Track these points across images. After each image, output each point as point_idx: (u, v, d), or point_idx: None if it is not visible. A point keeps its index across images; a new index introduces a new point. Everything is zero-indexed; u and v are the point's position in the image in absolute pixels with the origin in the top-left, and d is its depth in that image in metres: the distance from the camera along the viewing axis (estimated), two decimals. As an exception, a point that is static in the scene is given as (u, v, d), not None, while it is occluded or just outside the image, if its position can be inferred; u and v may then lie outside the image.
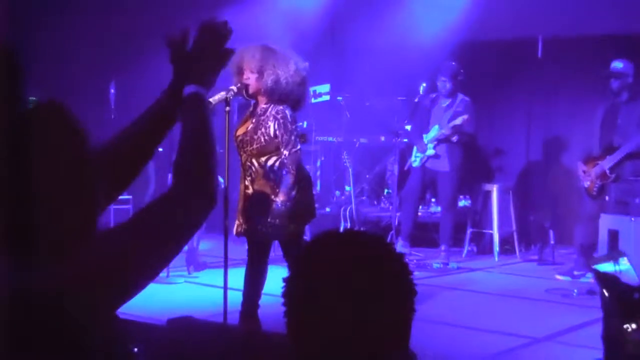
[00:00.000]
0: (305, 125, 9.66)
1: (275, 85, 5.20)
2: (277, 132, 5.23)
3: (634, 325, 2.10)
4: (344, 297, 1.48)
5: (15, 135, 1.57)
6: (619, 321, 2.12)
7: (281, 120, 5.23)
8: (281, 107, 5.26)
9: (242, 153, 5.34)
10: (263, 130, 5.25)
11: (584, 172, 8.06)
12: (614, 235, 7.19)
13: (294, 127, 5.30)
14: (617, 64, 7.86)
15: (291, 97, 5.30)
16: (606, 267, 2.30)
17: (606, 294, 2.21)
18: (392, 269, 1.54)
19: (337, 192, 10.24)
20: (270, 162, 5.27)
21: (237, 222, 5.38)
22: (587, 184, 8.01)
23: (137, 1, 9.75)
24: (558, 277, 8.04)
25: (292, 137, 5.26)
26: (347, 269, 1.51)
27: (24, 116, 1.62)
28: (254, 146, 5.25)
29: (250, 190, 5.32)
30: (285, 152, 5.24)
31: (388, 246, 1.58)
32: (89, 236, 1.64)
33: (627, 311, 2.14)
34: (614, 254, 2.35)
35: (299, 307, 1.53)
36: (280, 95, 5.24)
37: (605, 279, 2.21)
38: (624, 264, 2.35)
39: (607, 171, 7.80)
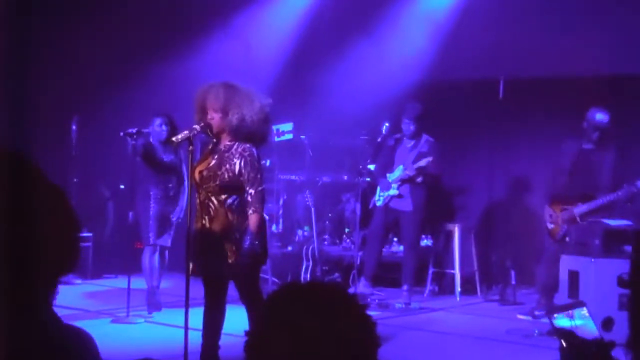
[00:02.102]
0: (268, 164, 9.65)
1: (241, 123, 5.18)
2: (243, 170, 5.19)
3: None
4: (302, 344, 1.47)
5: None
6: None
7: (248, 159, 5.20)
8: (247, 145, 5.23)
9: (200, 191, 5.26)
10: (227, 166, 5.19)
11: (551, 215, 8.10)
12: (574, 276, 7.23)
13: (259, 165, 5.28)
14: (602, 117, 7.80)
15: (256, 135, 5.29)
16: (563, 322, 2.29)
17: (564, 346, 2.21)
18: (355, 318, 1.54)
19: (299, 231, 10.20)
20: (229, 201, 5.21)
21: (195, 262, 5.27)
22: (551, 226, 8.05)
23: (99, 39, 9.71)
24: (520, 316, 8.07)
25: (258, 176, 5.23)
26: (304, 317, 1.50)
27: None
28: (217, 182, 5.18)
29: (207, 229, 5.23)
30: (252, 191, 5.19)
31: (351, 295, 1.59)
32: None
33: None
34: (573, 304, 2.35)
35: (259, 355, 1.52)
36: (246, 134, 5.22)
37: (563, 334, 2.21)
38: (582, 317, 2.35)
39: (578, 218, 7.82)
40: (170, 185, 7.76)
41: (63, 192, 1.68)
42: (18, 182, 1.61)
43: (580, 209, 7.84)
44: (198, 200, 5.28)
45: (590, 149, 7.92)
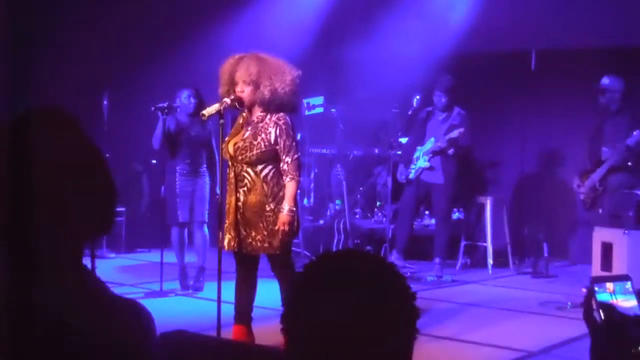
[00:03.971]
0: (299, 137, 9.65)
1: (273, 96, 5.17)
2: (279, 139, 5.18)
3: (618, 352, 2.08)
4: (345, 313, 1.46)
5: (19, 139, 1.59)
6: (609, 347, 2.10)
7: (283, 127, 5.20)
8: (281, 114, 5.23)
9: (235, 163, 5.26)
10: (263, 136, 5.18)
11: (578, 186, 8.21)
12: (607, 248, 7.19)
13: (294, 133, 5.29)
14: (604, 80, 8.01)
15: (288, 107, 5.28)
16: (603, 295, 2.26)
17: (600, 320, 2.18)
18: (394, 288, 1.53)
19: (331, 205, 10.22)
20: (265, 171, 5.21)
21: (228, 236, 5.28)
22: (582, 196, 8.17)
23: (129, 14, 9.73)
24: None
25: (294, 144, 5.24)
26: (347, 285, 1.50)
27: (25, 121, 1.63)
28: (254, 152, 5.16)
29: (243, 202, 5.23)
30: (288, 159, 5.19)
31: (390, 265, 1.57)
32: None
33: (618, 342, 2.12)
34: (619, 276, 2.32)
35: (300, 324, 1.51)
36: (278, 106, 5.22)
37: (602, 307, 2.18)
38: (624, 291, 2.31)
39: (597, 184, 7.94)
40: (197, 160, 7.63)
41: (103, 154, 1.70)
42: (57, 139, 1.63)
43: (596, 175, 8.06)
44: (232, 174, 5.27)
45: (606, 117, 8.09)
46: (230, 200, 5.28)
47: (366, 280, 1.51)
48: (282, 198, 5.20)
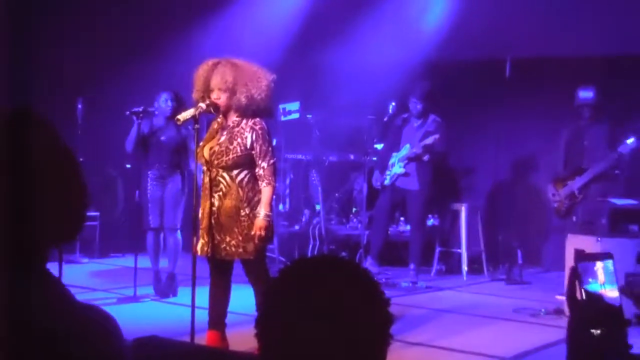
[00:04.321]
0: (274, 143, 9.63)
1: (249, 102, 5.17)
2: (255, 144, 5.18)
3: (598, 331, 2.11)
4: (318, 318, 1.46)
5: None
6: (586, 327, 2.13)
7: (259, 132, 5.19)
8: (257, 119, 5.23)
9: (210, 168, 5.24)
10: (239, 140, 5.17)
11: (553, 194, 8.20)
12: (580, 256, 7.21)
13: (270, 138, 5.28)
14: (587, 94, 7.95)
15: (264, 111, 5.29)
16: (593, 286, 2.29)
17: (580, 299, 2.22)
18: (368, 294, 1.53)
19: (306, 210, 10.21)
20: (241, 176, 5.20)
21: (201, 242, 5.25)
22: (555, 204, 8.15)
23: (104, 18, 9.69)
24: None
25: (270, 149, 5.24)
26: (321, 290, 1.50)
27: None
28: (230, 156, 5.15)
29: (218, 207, 5.21)
30: (264, 164, 5.20)
31: (364, 271, 1.57)
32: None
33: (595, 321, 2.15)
34: (601, 254, 2.35)
35: (274, 329, 1.51)
36: (254, 111, 5.21)
37: (590, 297, 2.21)
38: (608, 273, 2.35)
39: (576, 192, 7.94)
40: (167, 164, 7.54)
41: (74, 156, 1.68)
42: (27, 140, 1.60)
43: (576, 183, 7.99)
44: (207, 179, 5.25)
45: (584, 126, 8.07)
46: (205, 205, 5.26)
47: (340, 286, 1.51)
48: (257, 203, 5.19)
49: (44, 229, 1.60)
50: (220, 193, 5.20)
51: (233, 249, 5.18)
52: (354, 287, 1.52)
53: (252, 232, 5.14)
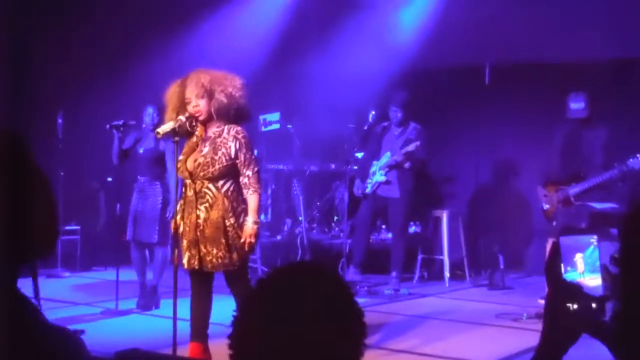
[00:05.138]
0: (255, 153, 9.63)
1: (229, 100, 5.16)
2: (239, 153, 5.17)
3: (575, 305, 2.15)
4: (294, 330, 1.47)
5: None
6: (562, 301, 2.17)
7: (242, 141, 5.19)
8: (239, 128, 5.23)
9: (194, 180, 5.19)
10: (224, 150, 5.16)
11: (545, 196, 8.08)
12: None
13: (252, 146, 5.30)
14: (578, 105, 7.76)
15: (244, 113, 5.29)
16: (572, 274, 2.33)
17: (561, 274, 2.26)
18: (341, 306, 1.54)
19: (288, 220, 10.22)
20: (226, 186, 5.19)
21: (187, 254, 5.21)
22: (547, 207, 8.05)
23: (85, 31, 9.69)
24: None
25: (253, 157, 5.25)
26: (292, 303, 1.51)
27: None
28: (216, 167, 5.13)
29: (204, 219, 5.17)
30: (248, 173, 5.19)
31: (339, 282, 1.58)
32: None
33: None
34: (583, 230, 2.40)
35: (248, 341, 1.52)
36: (235, 111, 5.21)
37: (570, 286, 2.24)
38: (591, 253, 2.38)
39: (572, 198, 7.80)
40: (146, 177, 7.52)
41: (47, 176, 1.68)
42: (9, 160, 1.61)
43: (574, 189, 7.80)
44: (191, 192, 5.20)
45: (580, 128, 7.88)
46: (190, 217, 5.22)
47: (314, 298, 1.51)
48: (241, 213, 5.19)
49: (13, 246, 1.59)
50: (207, 204, 5.18)
51: (220, 260, 5.16)
52: (327, 299, 1.53)
53: (241, 240, 5.14)
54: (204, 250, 5.17)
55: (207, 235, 5.16)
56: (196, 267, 5.21)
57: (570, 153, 7.97)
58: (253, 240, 5.17)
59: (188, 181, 5.24)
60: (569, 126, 7.97)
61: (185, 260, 5.23)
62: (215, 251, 5.15)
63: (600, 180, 7.67)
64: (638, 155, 7.49)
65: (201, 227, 5.17)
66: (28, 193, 1.62)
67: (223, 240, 5.13)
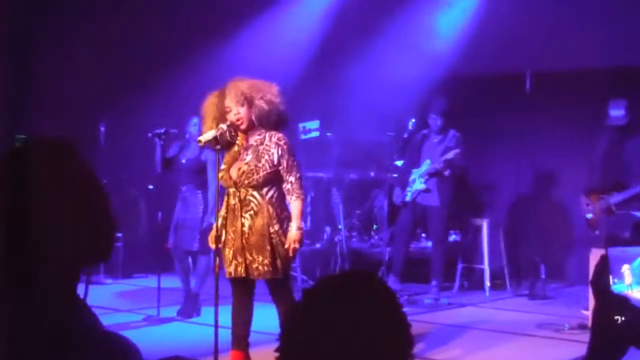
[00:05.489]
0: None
1: (270, 106, 5.20)
2: (281, 159, 5.21)
3: (622, 318, 2.14)
4: (341, 341, 1.48)
5: (19, 169, 1.61)
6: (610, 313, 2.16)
7: (284, 147, 5.23)
8: (280, 135, 5.26)
9: (239, 189, 5.22)
10: (267, 157, 5.20)
11: (588, 205, 7.99)
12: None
13: (294, 152, 5.34)
14: (618, 112, 7.71)
15: (283, 119, 5.32)
16: (620, 287, 2.32)
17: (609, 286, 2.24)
18: (391, 320, 1.54)
19: (328, 228, 10.22)
20: (271, 193, 5.22)
21: (234, 262, 5.22)
22: (589, 216, 7.95)
23: (128, 39, 9.79)
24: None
25: (295, 163, 5.29)
26: (344, 315, 1.51)
27: (27, 151, 1.64)
28: (260, 174, 5.17)
29: (249, 227, 5.19)
30: (291, 179, 5.23)
31: (388, 292, 1.58)
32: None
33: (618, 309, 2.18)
34: (630, 243, 2.40)
35: (296, 352, 1.52)
36: (276, 117, 5.24)
37: (616, 299, 2.23)
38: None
39: (613, 207, 7.71)
40: (187, 186, 7.58)
41: (102, 185, 1.72)
42: (58, 169, 1.65)
43: (615, 198, 7.70)
44: (235, 200, 5.24)
45: (621, 136, 7.80)
46: (235, 226, 5.24)
47: (362, 310, 1.52)
48: (284, 219, 5.22)
49: (75, 256, 1.63)
50: (252, 212, 5.20)
51: (265, 267, 5.17)
52: (376, 311, 1.53)
53: (286, 246, 5.17)
54: (250, 258, 5.19)
55: (253, 243, 5.18)
56: (243, 275, 5.23)
57: (610, 161, 7.88)
58: (297, 246, 5.21)
59: (232, 190, 5.27)
60: (609, 134, 7.90)
61: (231, 269, 5.24)
62: (261, 259, 5.17)
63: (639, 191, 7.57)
64: None
65: (246, 235, 5.19)
66: (85, 199, 1.65)
67: (268, 248, 5.16)
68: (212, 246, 5.36)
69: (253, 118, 5.21)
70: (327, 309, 1.53)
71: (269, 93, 5.22)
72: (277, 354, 1.56)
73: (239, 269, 5.22)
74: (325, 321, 1.51)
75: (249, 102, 5.19)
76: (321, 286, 1.59)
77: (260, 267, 5.18)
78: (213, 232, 5.36)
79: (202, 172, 7.51)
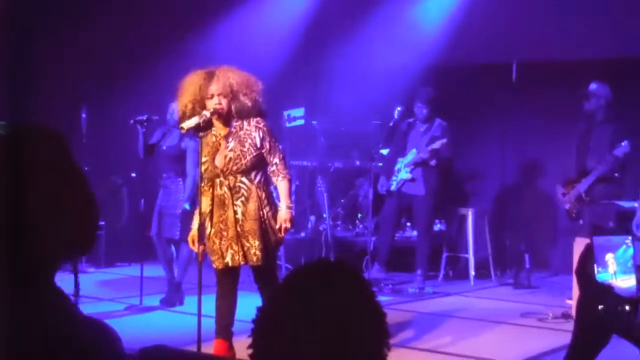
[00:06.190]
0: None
1: (254, 104, 5.21)
2: (264, 142, 5.21)
3: (606, 306, 2.12)
4: (312, 330, 1.48)
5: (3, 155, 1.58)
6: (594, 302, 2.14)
7: (264, 129, 5.24)
8: (258, 118, 5.26)
9: (227, 176, 5.19)
10: (250, 141, 5.19)
11: (563, 194, 8.13)
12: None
13: (274, 134, 5.34)
14: (592, 86, 7.99)
15: (264, 114, 5.34)
16: (604, 275, 2.28)
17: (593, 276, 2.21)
18: (365, 308, 1.55)
19: (312, 217, 10.18)
20: (257, 178, 5.23)
21: (231, 251, 5.17)
22: (567, 206, 8.09)
23: (108, 27, 9.69)
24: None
25: (277, 144, 5.30)
26: (320, 302, 1.52)
27: (9, 138, 1.60)
28: (247, 158, 5.16)
29: (242, 213, 5.16)
30: (275, 160, 5.24)
31: (362, 281, 1.59)
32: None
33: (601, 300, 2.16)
34: (616, 231, 2.38)
35: (268, 338, 1.52)
36: (258, 112, 5.26)
37: (600, 287, 2.20)
38: (625, 253, 2.33)
39: (583, 194, 7.88)
40: (169, 174, 7.52)
41: (84, 174, 1.69)
42: (41, 157, 1.62)
43: (582, 185, 7.94)
44: (224, 189, 5.20)
45: (592, 126, 8.01)
46: (226, 214, 5.20)
47: (338, 297, 1.52)
48: (272, 202, 5.26)
49: (54, 243, 1.61)
50: (243, 198, 5.19)
51: (262, 253, 5.17)
52: (346, 295, 1.54)
53: (277, 226, 5.20)
54: (247, 244, 5.18)
55: (248, 229, 5.18)
56: (242, 263, 5.22)
57: (581, 150, 8.06)
58: (289, 225, 5.25)
59: (218, 180, 5.21)
60: (585, 125, 8.07)
61: (228, 259, 5.20)
62: (257, 243, 5.17)
63: (598, 174, 7.75)
64: (622, 143, 7.55)
65: (240, 222, 5.18)
66: (70, 191, 1.63)
67: (260, 232, 5.16)
68: (194, 248, 5.30)
69: (233, 110, 5.18)
70: (302, 295, 1.53)
71: (254, 91, 5.23)
72: (252, 340, 1.57)
73: (237, 257, 5.19)
74: (300, 307, 1.51)
75: (234, 95, 5.17)
76: (296, 273, 1.60)
77: (258, 252, 5.17)
78: (192, 234, 5.29)
79: (183, 159, 7.44)
